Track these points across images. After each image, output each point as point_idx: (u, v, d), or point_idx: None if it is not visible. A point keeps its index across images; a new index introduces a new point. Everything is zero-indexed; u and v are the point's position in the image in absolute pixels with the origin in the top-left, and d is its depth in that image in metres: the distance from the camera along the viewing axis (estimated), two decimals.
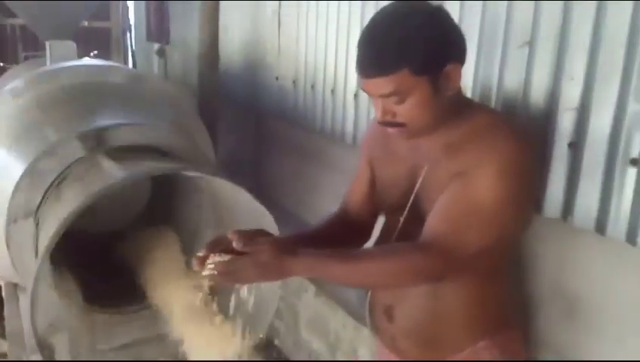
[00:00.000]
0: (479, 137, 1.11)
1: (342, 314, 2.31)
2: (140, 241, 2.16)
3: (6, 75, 3.08)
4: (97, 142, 1.62)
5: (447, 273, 1.11)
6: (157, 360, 1.88)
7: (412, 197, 1.19)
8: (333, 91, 2.42)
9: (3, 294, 2.24)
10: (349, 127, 2.32)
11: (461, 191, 1.10)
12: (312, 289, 2.53)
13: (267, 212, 1.54)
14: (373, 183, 1.36)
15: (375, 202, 1.36)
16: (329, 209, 2.65)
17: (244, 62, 3.27)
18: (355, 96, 2.27)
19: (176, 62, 4.28)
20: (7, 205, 1.63)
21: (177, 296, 1.80)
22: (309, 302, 2.56)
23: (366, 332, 1.53)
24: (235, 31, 3.37)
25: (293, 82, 2.74)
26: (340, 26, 2.32)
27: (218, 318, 1.72)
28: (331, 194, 2.67)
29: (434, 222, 1.12)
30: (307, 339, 2.61)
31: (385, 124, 1.13)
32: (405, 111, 1.09)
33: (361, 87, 1.12)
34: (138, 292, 2.02)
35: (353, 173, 2.48)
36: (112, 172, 1.49)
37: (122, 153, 1.67)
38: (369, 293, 1.31)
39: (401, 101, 1.08)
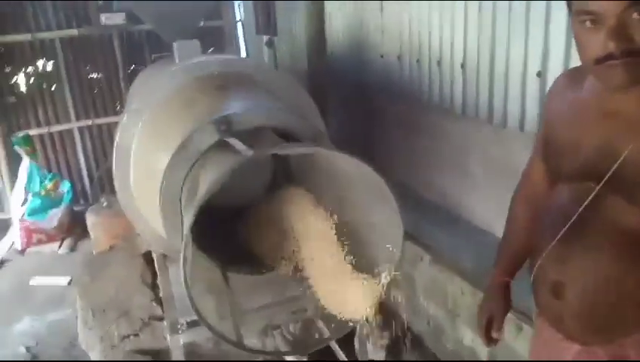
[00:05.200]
0: None
1: (459, 281, 2.35)
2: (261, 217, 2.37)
3: (144, 72, 3.43)
4: (227, 126, 1.82)
5: None
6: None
7: (615, 167, 1.01)
8: (439, 63, 2.45)
9: (156, 265, 2.57)
10: (458, 97, 2.34)
11: None
12: (427, 257, 2.60)
13: (384, 182, 1.63)
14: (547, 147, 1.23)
15: (550, 166, 1.23)
16: (440, 179, 2.71)
17: (350, 44, 3.38)
18: (462, 66, 2.28)
19: (284, 52, 4.50)
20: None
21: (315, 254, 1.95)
22: (425, 269, 2.63)
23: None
24: (339, 15, 3.49)
25: (398, 58, 2.80)
26: None
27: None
28: (441, 164, 2.71)
29: None
30: (425, 306, 2.69)
31: (621, 54, 0.91)
32: None
33: (584, 7, 0.94)
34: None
35: (463, 142, 2.52)
36: (242, 151, 1.67)
37: (248, 136, 1.86)
38: (535, 267, 1.21)
39: None
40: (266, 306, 2.07)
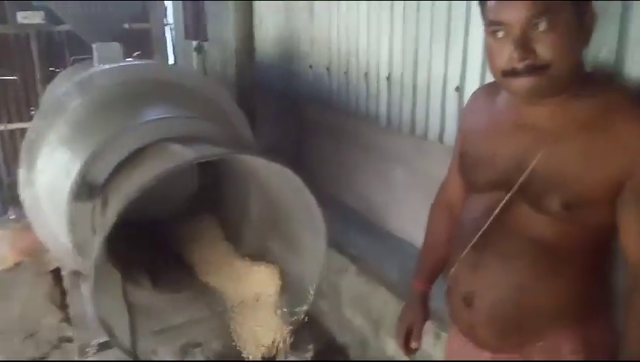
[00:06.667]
0: (632, 123, 0.95)
1: (383, 292, 2.36)
2: (185, 230, 2.29)
3: (59, 75, 3.24)
4: (158, 131, 1.74)
5: None
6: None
7: (524, 177, 1.05)
8: (366, 75, 2.46)
9: (65, 283, 2.41)
10: (383, 109, 2.36)
11: None
12: (352, 268, 2.59)
13: (307, 188, 1.61)
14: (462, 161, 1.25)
15: (467, 178, 1.24)
16: (366, 189, 2.72)
17: (279, 53, 3.35)
18: (388, 78, 2.31)
19: (214, 58, 4.40)
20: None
21: (226, 276, 1.91)
22: (351, 280, 2.63)
23: None
24: (270, 23, 3.45)
25: (327, 69, 2.80)
26: (370, 11, 2.37)
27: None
28: (368, 174, 2.73)
29: None
30: (350, 317, 2.68)
31: (525, 69, 0.95)
32: (552, 43, 0.92)
33: (495, 17, 0.97)
34: (184, 277, 2.13)
35: (388, 154, 2.54)
36: (182, 153, 1.59)
37: (179, 142, 1.78)
38: (448, 277, 1.23)
39: (551, 27, 0.92)
40: (186, 323, 1.98)
